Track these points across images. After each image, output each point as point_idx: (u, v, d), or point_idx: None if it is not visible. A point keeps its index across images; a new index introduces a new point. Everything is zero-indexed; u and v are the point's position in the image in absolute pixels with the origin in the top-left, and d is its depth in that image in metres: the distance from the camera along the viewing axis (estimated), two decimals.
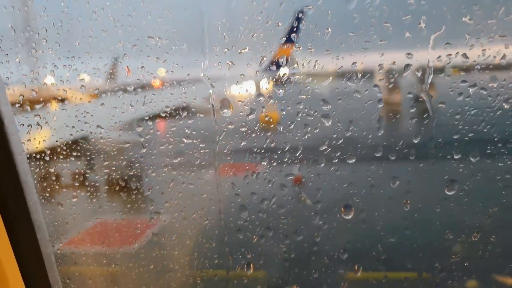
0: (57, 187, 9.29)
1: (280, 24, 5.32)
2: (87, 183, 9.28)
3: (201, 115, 5.85)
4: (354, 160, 6.47)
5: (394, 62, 5.12)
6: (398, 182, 6.10)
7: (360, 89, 5.96)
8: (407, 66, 5.05)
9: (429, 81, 5.48)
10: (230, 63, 5.43)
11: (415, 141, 6.03)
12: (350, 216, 5.04)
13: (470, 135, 6.51)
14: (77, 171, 9.57)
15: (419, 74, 5.81)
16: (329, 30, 5.14)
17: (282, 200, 7.17)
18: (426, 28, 4.14)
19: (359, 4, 4.08)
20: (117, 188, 8.68)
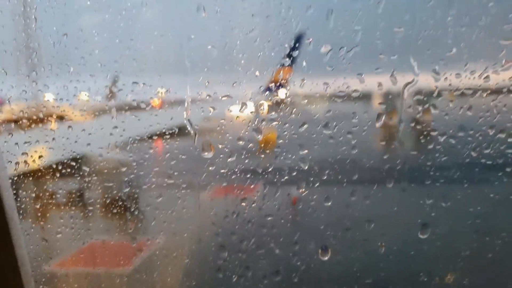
0: (49, 204, 9.22)
1: (277, 49, 5.43)
2: (74, 204, 9.21)
3: (196, 137, 5.84)
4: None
5: (366, 112, 5.39)
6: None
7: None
8: (379, 116, 5.24)
9: (401, 130, 5.65)
10: (229, 86, 5.50)
11: (389, 186, 6.12)
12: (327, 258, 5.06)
13: (441, 181, 6.67)
14: (67, 191, 9.54)
15: (391, 124, 5.97)
16: (325, 56, 5.24)
17: (274, 220, 7.15)
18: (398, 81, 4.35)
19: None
20: (107, 211, 8.62)
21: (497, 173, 9.44)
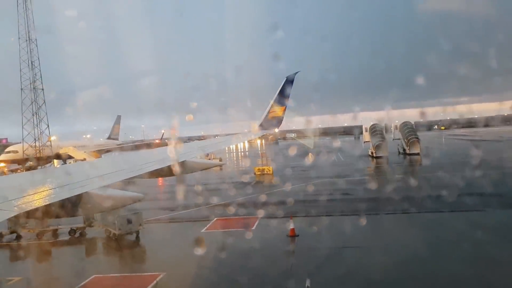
0: (55, 241, 9.32)
1: (272, 88, 5.85)
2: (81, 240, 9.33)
3: (197, 172, 6.05)
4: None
5: (356, 145, 5.81)
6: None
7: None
8: (368, 147, 5.67)
9: (389, 161, 6.04)
10: (226, 124, 5.88)
11: (379, 215, 6.26)
12: None
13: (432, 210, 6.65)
14: (70, 228, 9.66)
15: (379, 155, 6.33)
16: (315, 95, 5.72)
17: (271, 252, 7.30)
18: None
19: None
20: (112, 245, 8.77)
21: (483, 202, 9.63)
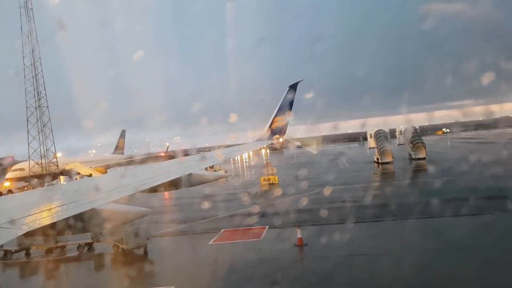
0: (63, 258, 9.30)
1: (275, 98, 5.88)
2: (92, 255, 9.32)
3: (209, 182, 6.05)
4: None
5: (360, 151, 5.83)
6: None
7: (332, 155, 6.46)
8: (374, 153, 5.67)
9: (394, 167, 6.00)
10: (232, 132, 5.94)
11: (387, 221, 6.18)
12: None
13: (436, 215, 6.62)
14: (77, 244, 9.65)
15: (383, 161, 6.31)
16: (318, 103, 5.73)
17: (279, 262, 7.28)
18: None
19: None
20: (120, 260, 8.75)
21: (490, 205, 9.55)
